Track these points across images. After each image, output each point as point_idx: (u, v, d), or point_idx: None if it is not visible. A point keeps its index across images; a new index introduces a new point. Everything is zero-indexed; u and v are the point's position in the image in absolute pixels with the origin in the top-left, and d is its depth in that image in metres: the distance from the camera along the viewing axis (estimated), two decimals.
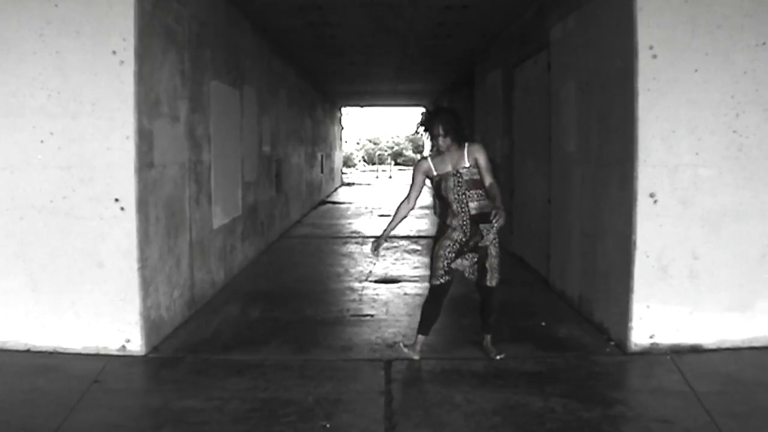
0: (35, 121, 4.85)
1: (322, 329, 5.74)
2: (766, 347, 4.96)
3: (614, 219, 5.29)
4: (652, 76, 4.82)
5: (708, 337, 4.99)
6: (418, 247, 10.12)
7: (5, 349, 4.92)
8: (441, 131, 4.70)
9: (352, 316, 6.18)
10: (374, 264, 8.72)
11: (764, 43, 4.84)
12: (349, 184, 29.19)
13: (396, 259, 9.10)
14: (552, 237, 7.11)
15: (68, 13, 4.79)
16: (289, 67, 12.62)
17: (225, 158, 7.42)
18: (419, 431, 3.73)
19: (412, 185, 4.90)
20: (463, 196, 4.67)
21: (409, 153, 53.24)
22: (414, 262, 8.85)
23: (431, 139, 4.80)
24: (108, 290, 4.91)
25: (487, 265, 4.75)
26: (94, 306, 4.92)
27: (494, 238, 4.72)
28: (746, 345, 4.98)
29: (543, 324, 5.83)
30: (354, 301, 6.75)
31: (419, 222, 13.79)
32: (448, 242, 4.71)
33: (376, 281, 7.67)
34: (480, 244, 4.68)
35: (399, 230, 12.16)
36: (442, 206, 4.86)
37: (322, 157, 19.48)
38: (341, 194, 22.79)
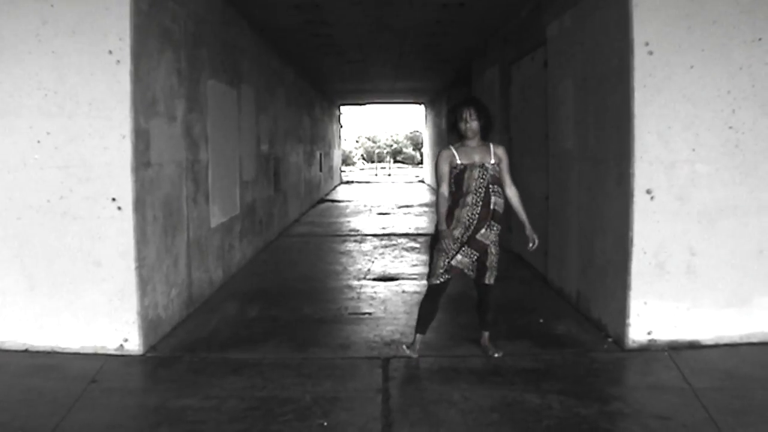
0: (32, 121, 4.85)
1: (320, 327, 5.75)
2: (764, 343, 4.97)
3: (611, 215, 5.30)
4: (648, 73, 4.82)
5: (706, 333, 4.99)
6: (417, 245, 10.13)
7: (4, 349, 4.92)
8: (474, 115, 4.70)
9: (351, 314, 6.18)
10: (373, 262, 8.73)
11: (760, 39, 4.84)
12: (348, 182, 29.20)
13: (395, 257, 9.10)
14: (550, 234, 7.11)
15: (64, 13, 4.79)
16: (288, 65, 12.62)
17: (223, 157, 7.42)
18: (416, 429, 3.73)
19: (441, 176, 4.74)
20: (483, 190, 4.66)
21: (409, 151, 53.25)
22: (412, 260, 8.85)
23: (460, 123, 4.74)
24: (105, 290, 4.92)
25: (487, 263, 4.76)
26: (92, 306, 4.93)
27: (496, 239, 4.73)
28: (744, 341, 4.99)
29: (541, 321, 5.83)
30: (352, 299, 6.76)
31: (418, 220, 13.81)
32: (448, 241, 4.65)
33: (374, 279, 7.67)
34: (483, 240, 4.67)
35: (398, 228, 12.25)
36: (453, 197, 4.73)
37: (320, 155, 19.48)
38: (340, 192, 22.80)
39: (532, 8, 7.71)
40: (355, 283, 7.51)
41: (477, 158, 4.71)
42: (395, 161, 48.78)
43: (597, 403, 4.00)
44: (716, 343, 4.97)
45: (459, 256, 4.70)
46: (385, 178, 35.68)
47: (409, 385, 4.47)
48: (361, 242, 10.62)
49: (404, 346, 4.95)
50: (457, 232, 4.68)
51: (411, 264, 8.60)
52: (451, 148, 4.81)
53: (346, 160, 43.52)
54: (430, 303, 4.88)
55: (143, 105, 5.05)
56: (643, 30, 4.81)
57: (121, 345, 4.94)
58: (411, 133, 54.13)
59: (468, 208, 4.67)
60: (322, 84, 17.58)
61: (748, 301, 5.00)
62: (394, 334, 5.45)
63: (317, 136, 18.69)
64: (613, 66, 5.21)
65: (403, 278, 7.70)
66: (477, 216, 4.67)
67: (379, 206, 17.13)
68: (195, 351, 5.11)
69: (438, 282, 4.76)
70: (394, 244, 10.24)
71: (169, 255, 5.62)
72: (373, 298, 6.73)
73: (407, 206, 17.11)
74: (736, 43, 4.84)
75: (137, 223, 4.94)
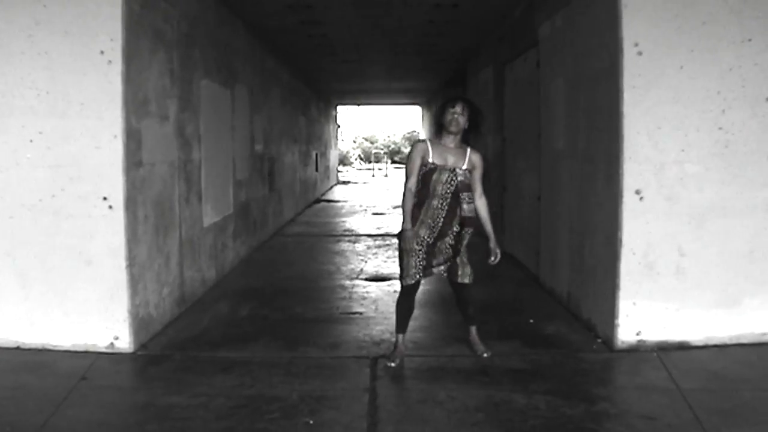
0: (24, 120, 4.86)
1: (311, 327, 5.76)
2: (753, 344, 4.98)
3: (601, 216, 5.31)
4: (638, 73, 4.84)
5: (695, 334, 5.00)
6: None
7: None
8: (464, 111, 4.62)
9: (342, 313, 6.19)
10: (366, 262, 8.74)
11: (750, 40, 4.85)
12: (344, 183, 29.20)
13: (388, 257, 9.11)
14: (542, 234, 7.13)
15: (56, 13, 4.80)
16: (283, 65, 12.62)
17: (216, 157, 7.43)
18: (401, 427, 3.75)
19: (411, 170, 4.67)
20: (450, 195, 4.60)
21: (406, 151, 53.21)
22: None
23: (446, 114, 4.63)
24: (96, 288, 4.93)
25: (457, 260, 4.75)
26: (83, 304, 4.94)
27: (463, 244, 4.75)
28: (734, 342, 5.00)
29: (531, 321, 5.85)
30: (344, 298, 6.77)
31: None
32: (411, 243, 4.64)
33: (366, 279, 7.69)
34: (451, 245, 4.67)
35: (392, 228, 12.25)
36: (420, 195, 4.67)
37: (316, 155, 19.48)
38: (337, 192, 22.81)
39: (525, 8, 7.73)
40: (348, 282, 7.52)
41: (450, 161, 4.63)
42: (392, 162, 48.73)
43: (583, 403, 4.02)
44: (706, 344, 4.98)
45: (432, 263, 4.70)
46: (382, 178, 35.67)
47: (397, 385, 4.49)
48: (355, 242, 10.64)
49: (388, 363, 4.75)
50: (422, 232, 4.65)
51: None
52: (427, 142, 4.74)
53: (344, 161, 43.50)
54: (405, 301, 4.85)
55: (135, 105, 5.06)
56: (633, 30, 4.83)
57: (112, 343, 4.95)
58: (408, 133, 54.13)
59: (433, 211, 4.61)
60: (318, 84, 17.59)
61: (738, 302, 5.01)
62: (384, 333, 5.46)
63: (313, 136, 18.69)
64: (602, 66, 5.23)
65: (394, 278, 7.67)
66: (442, 221, 4.62)
67: (374, 206, 17.14)
68: (185, 349, 5.12)
69: (412, 282, 4.73)
70: (388, 245, 10.25)
71: (161, 254, 5.63)
72: (364, 298, 6.75)
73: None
74: (726, 43, 4.85)
75: (128, 222, 4.95)
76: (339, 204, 18.20)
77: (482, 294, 6.63)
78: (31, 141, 4.87)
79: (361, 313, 6.16)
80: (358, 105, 29.46)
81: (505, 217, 9.22)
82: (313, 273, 8.23)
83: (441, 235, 4.65)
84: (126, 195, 4.91)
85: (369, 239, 10.94)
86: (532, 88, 7.52)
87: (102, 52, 4.81)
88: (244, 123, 9.06)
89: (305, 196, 16.86)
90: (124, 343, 4.97)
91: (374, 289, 7.16)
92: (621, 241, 4.93)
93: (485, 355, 4.86)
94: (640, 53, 4.83)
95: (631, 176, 4.89)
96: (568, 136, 6.17)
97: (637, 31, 4.83)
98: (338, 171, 30.97)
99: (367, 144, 56.02)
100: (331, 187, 24.90)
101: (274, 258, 9.44)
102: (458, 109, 4.63)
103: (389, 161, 47.12)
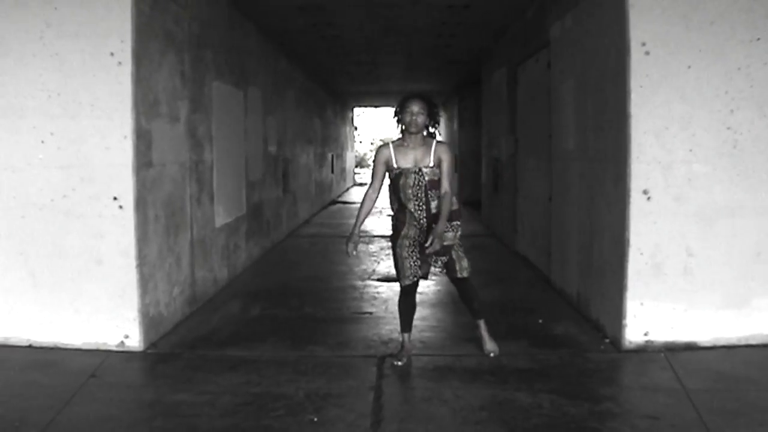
0: (36, 121, 4.94)
1: (320, 326, 5.79)
2: (762, 345, 4.94)
3: (609, 216, 5.30)
4: (645, 73, 4.82)
5: (703, 335, 4.97)
6: None
7: (8, 345, 5.02)
8: (421, 109, 4.60)
9: (352, 313, 6.22)
10: (378, 263, 8.77)
11: (759, 39, 4.82)
12: (361, 184, 29.20)
13: None
14: (552, 235, 7.12)
15: (67, 15, 4.87)
16: (297, 67, 12.69)
17: (228, 158, 7.49)
18: (405, 425, 3.76)
19: (374, 175, 4.77)
20: (422, 195, 4.62)
21: None
22: None
23: (405, 115, 4.62)
24: (107, 287, 4.99)
25: (453, 255, 4.76)
26: (94, 303, 5.01)
27: (455, 236, 4.72)
28: (742, 343, 4.96)
29: (540, 321, 5.84)
30: (355, 299, 6.80)
31: None
32: (406, 242, 4.68)
33: (378, 279, 7.71)
34: (446, 243, 4.66)
35: None
36: (396, 201, 4.75)
37: (332, 157, 19.54)
38: (353, 194, 22.83)
39: (537, 9, 7.73)
40: (359, 283, 7.55)
41: (414, 161, 4.64)
42: None
43: (587, 403, 4.01)
44: (714, 345, 4.94)
45: (425, 264, 4.71)
46: None
47: (403, 383, 4.51)
48: (368, 243, 10.66)
49: (395, 362, 4.77)
50: (412, 233, 4.69)
51: None
52: (390, 146, 4.75)
53: (361, 163, 43.51)
54: (405, 301, 4.87)
55: (145, 106, 5.12)
56: (640, 30, 4.81)
57: (122, 341, 5.02)
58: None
59: (412, 213, 4.66)
60: (333, 86, 17.65)
61: (746, 303, 4.98)
62: (393, 333, 5.47)
63: (329, 138, 18.76)
64: (610, 66, 5.22)
65: None
66: (425, 220, 4.65)
67: (389, 208, 17.13)
68: (194, 348, 5.18)
69: (410, 282, 4.75)
70: None
71: (172, 254, 5.69)
72: (375, 298, 6.78)
73: None
74: (734, 43, 4.82)
75: (138, 222, 5.01)
76: (355, 206, 18.19)
77: (493, 294, 6.66)
78: (42, 142, 4.94)
79: (371, 313, 6.19)
80: (376, 107, 29.45)
81: (518, 219, 9.21)
82: (326, 273, 8.27)
83: (429, 231, 4.64)
84: (136, 195, 4.98)
85: (383, 240, 10.94)
86: (543, 89, 7.51)
87: (112, 54, 4.88)
88: (258, 124, 9.12)
89: (321, 198, 16.92)
90: (134, 341, 5.03)
91: (385, 289, 7.18)
92: (629, 241, 4.92)
93: (492, 354, 4.86)
94: (647, 53, 4.81)
95: (638, 176, 4.87)
96: (578, 137, 6.16)
97: (644, 31, 4.81)
98: (355, 173, 31.01)
99: None
100: (348, 189, 24.96)
101: (287, 259, 9.49)
102: (415, 108, 4.61)
103: None
